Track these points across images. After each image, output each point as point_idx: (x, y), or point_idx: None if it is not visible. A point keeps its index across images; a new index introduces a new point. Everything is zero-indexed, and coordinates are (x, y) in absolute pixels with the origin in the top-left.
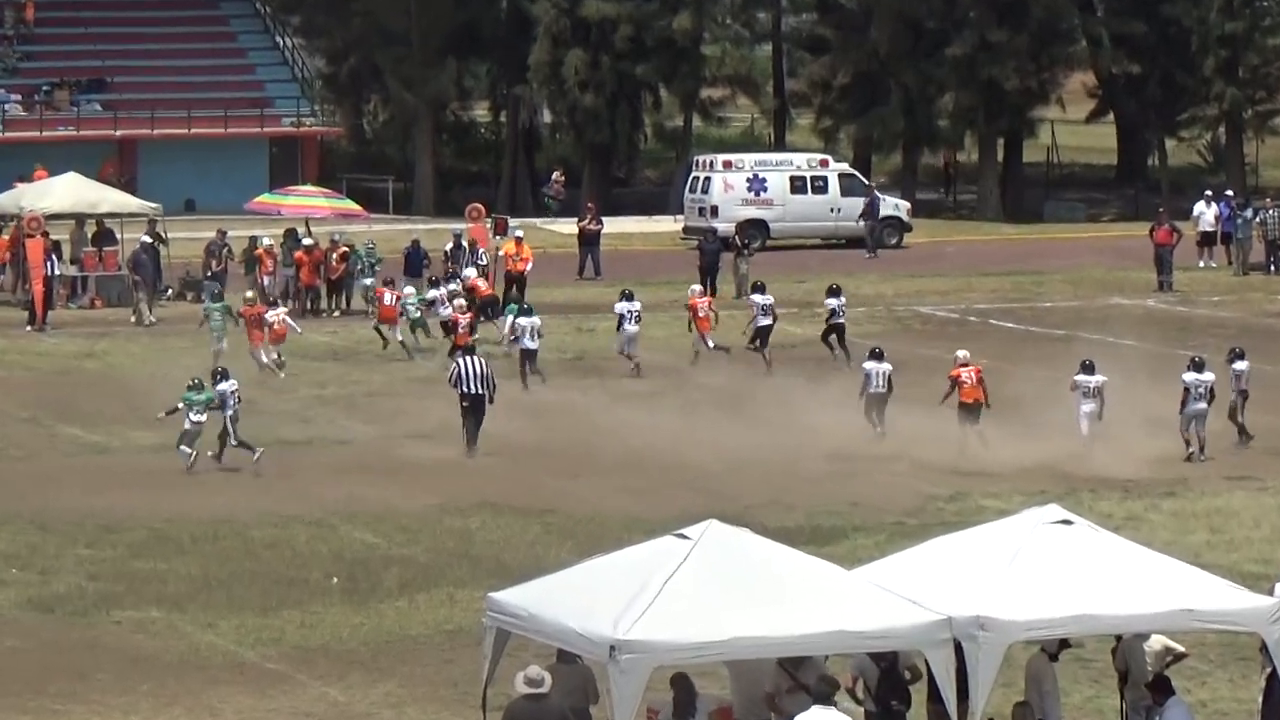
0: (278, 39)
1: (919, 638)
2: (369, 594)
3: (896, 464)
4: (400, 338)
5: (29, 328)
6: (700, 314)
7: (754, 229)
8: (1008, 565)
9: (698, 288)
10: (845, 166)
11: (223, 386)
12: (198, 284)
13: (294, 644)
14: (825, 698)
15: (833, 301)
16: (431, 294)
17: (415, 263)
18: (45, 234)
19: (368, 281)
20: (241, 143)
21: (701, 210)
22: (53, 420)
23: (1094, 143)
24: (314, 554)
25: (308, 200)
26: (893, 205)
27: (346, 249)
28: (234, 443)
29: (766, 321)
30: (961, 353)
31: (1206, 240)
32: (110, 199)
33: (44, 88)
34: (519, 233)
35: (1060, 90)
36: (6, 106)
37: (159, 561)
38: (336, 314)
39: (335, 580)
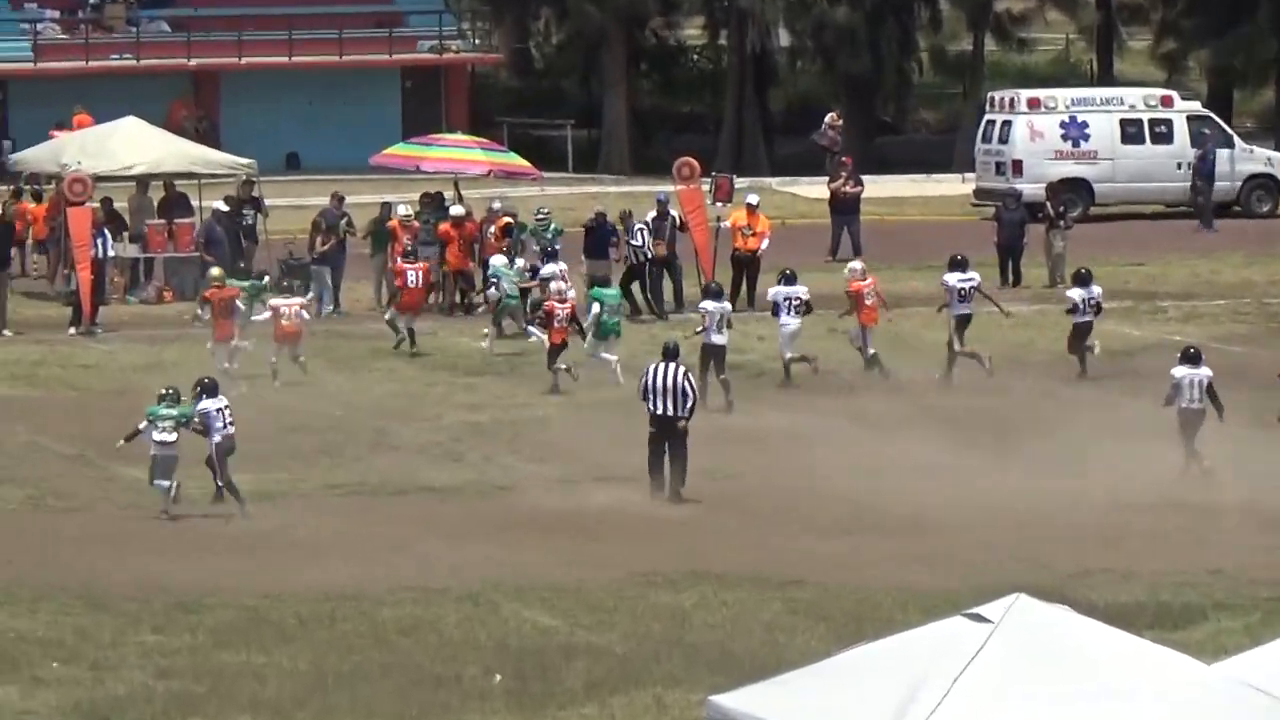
0: None
1: None
2: (544, 697)
3: (1238, 515)
4: (487, 333)
5: (73, 329)
6: (866, 301)
7: (1071, 192)
8: None
9: (858, 266)
10: (1196, 106)
11: (206, 404)
12: (304, 269)
13: None
14: None
15: (1078, 293)
16: (549, 268)
17: (601, 241)
18: (102, 201)
19: (548, 269)
20: (364, 75)
21: (999, 167)
22: (106, 459)
23: None
24: (468, 642)
25: (458, 153)
26: (1263, 159)
27: (509, 220)
28: (218, 482)
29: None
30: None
31: None
32: (183, 153)
33: (91, 2)
34: (753, 198)
35: None
36: (41, 28)
37: (254, 653)
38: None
39: (498, 678)
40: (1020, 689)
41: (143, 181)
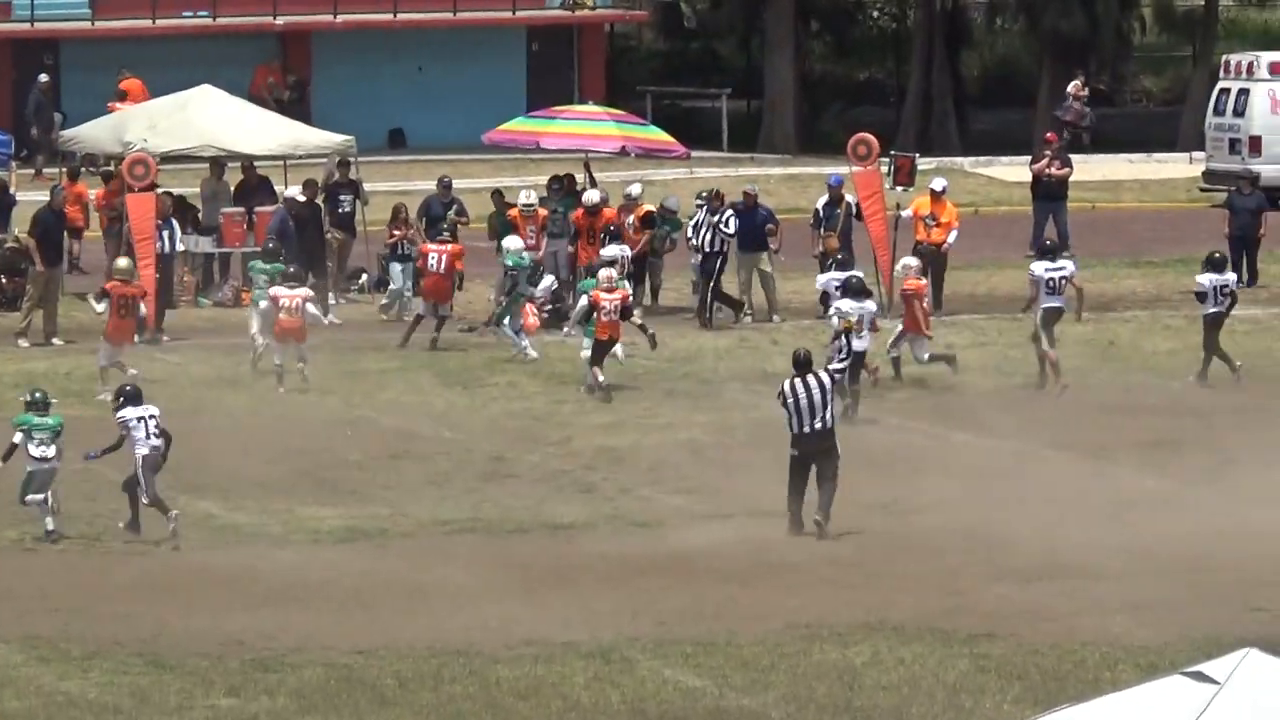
0: None
1: None
2: None
3: None
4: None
5: (135, 338)
6: (925, 302)
7: None
8: None
9: (914, 262)
10: None
11: (127, 413)
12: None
13: None
14: None
15: (1209, 279)
16: (612, 251)
17: (753, 229)
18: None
19: (610, 250)
20: (482, 37)
21: (1234, 145)
22: (172, 490)
23: None
24: (598, 707)
25: (585, 126)
26: None
27: (651, 209)
28: (144, 499)
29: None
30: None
31: None
32: (265, 128)
33: None
34: (938, 182)
35: None
36: None
37: (347, 719)
38: (636, 311)
39: None
40: None
41: (218, 163)
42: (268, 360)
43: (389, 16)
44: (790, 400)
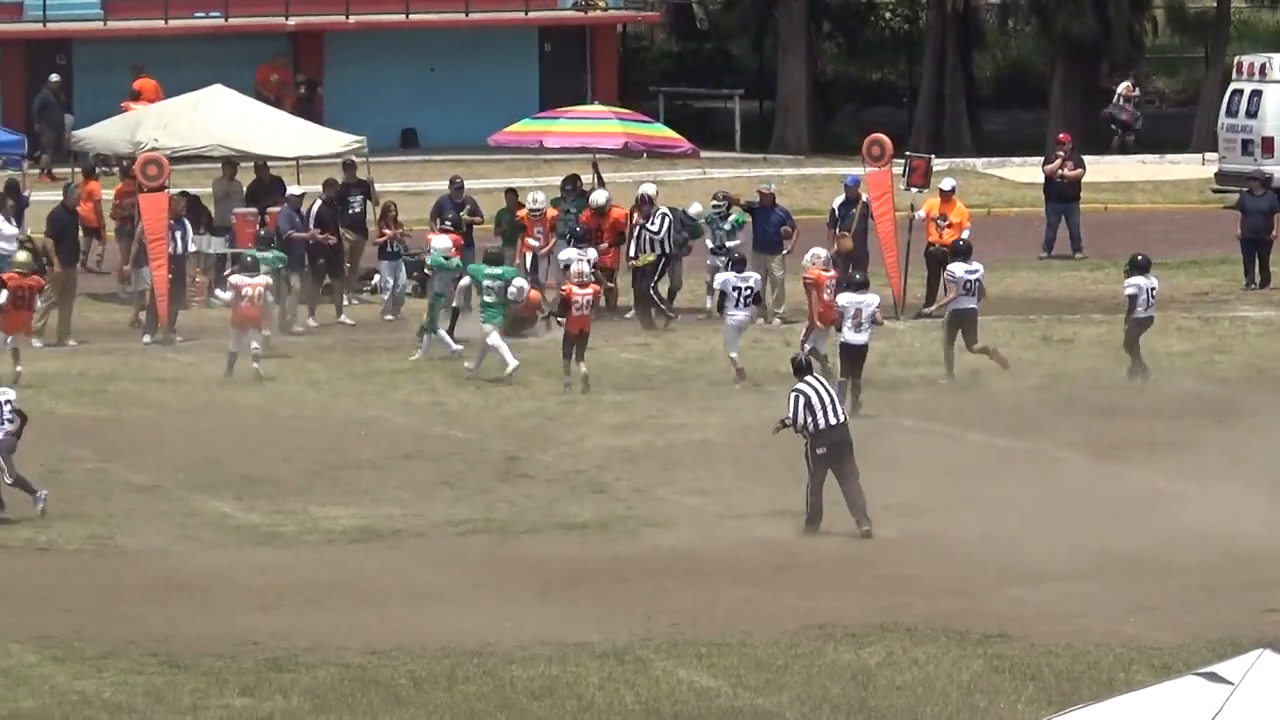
0: None
1: None
2: None
3: None
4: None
5: (147, 338)
6: (825, 294)
7: None
8: None
9: (822, 253)
10: None
11: None
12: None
13: None
14: None
15: (1138, 282)
16: (569, 254)
17: (768, 232)
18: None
19: (567, 253)
20: (494, 37)
21: (1246, 145)
22: (186, 489)
23: None
24: (612, 707)
25: (589, 125)
26: None
27: (666, 211)
28: (8, 480)
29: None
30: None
31: None
32: (277, 128)
33: None
34: (946, 182)
35: None
36: None
37: (361, 718)
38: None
39: None
40: None
41: (230, 163)
42: (244, 364)
43: (401, 17)
44: (814, 399)
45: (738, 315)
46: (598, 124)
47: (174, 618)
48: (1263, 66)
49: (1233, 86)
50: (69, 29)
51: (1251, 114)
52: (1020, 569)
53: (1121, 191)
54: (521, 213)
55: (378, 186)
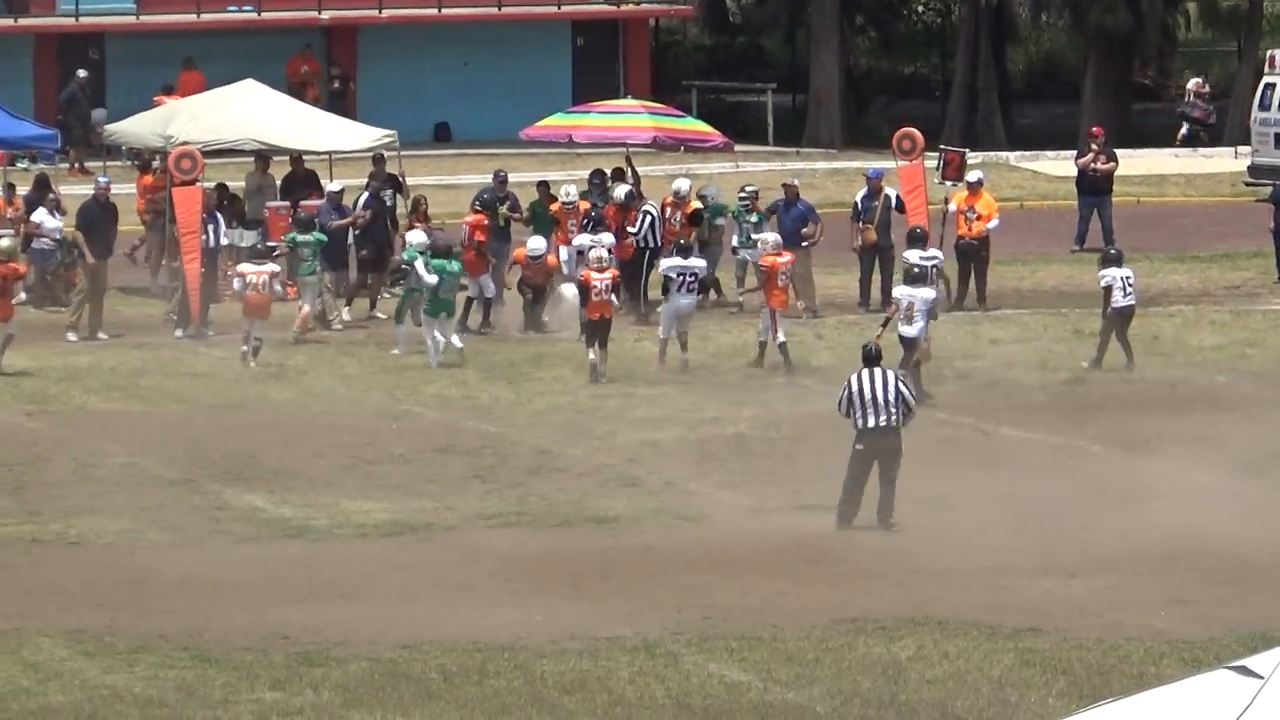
0: None
1: None
2: None
3: None
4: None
5: (179, 332)
6: (779, 281)
7: None
8: None
9: (773, 237)
10: None
11: None
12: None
13: None
14: None
15: (1112, 273)
16: (582, 240)
17: (789, 227)
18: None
19: (580, 239)
20: (528, 31)
21: (1279, 139)
22: (218, 483)
23: None
24: (643, 701)
25: (618, 119)
26: None
27: (699, 206)
28: None
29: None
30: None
31: None
32: (309, 123)
33: None
34: (973, 175)
35: None
36: None
37: (390, 712)
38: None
39: None
40: None
41: (263, 157)
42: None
43: (434, 11)
44: (862, 393)
45: (679, 301)
46: (628, 118)
47: (205, 612)
48: None
49: (1265, 80)
50: (102, 23)
51: None
52: (1052, 563)
53: (1154, 185)
54: (555, 206)
55: (411, 180)
